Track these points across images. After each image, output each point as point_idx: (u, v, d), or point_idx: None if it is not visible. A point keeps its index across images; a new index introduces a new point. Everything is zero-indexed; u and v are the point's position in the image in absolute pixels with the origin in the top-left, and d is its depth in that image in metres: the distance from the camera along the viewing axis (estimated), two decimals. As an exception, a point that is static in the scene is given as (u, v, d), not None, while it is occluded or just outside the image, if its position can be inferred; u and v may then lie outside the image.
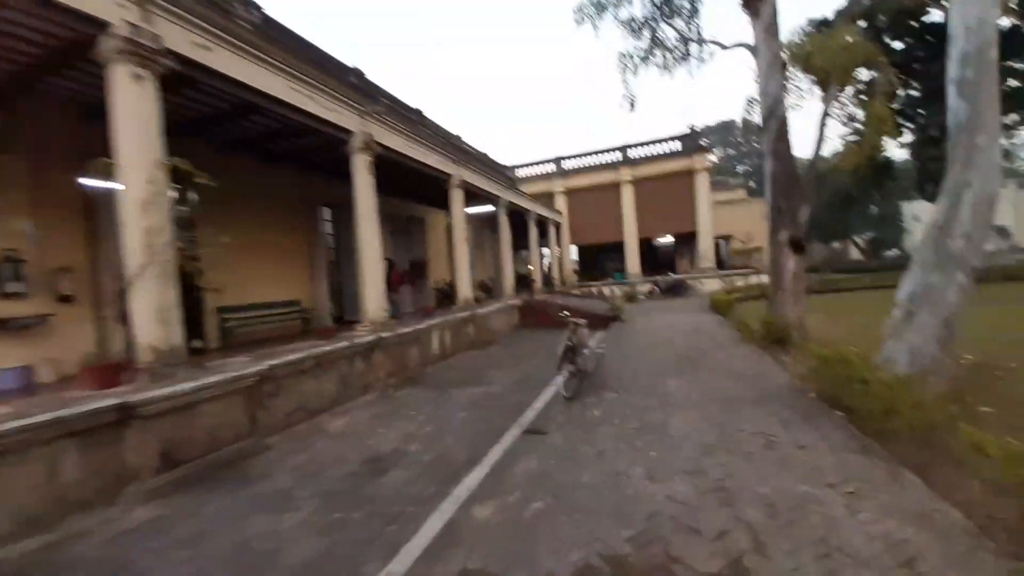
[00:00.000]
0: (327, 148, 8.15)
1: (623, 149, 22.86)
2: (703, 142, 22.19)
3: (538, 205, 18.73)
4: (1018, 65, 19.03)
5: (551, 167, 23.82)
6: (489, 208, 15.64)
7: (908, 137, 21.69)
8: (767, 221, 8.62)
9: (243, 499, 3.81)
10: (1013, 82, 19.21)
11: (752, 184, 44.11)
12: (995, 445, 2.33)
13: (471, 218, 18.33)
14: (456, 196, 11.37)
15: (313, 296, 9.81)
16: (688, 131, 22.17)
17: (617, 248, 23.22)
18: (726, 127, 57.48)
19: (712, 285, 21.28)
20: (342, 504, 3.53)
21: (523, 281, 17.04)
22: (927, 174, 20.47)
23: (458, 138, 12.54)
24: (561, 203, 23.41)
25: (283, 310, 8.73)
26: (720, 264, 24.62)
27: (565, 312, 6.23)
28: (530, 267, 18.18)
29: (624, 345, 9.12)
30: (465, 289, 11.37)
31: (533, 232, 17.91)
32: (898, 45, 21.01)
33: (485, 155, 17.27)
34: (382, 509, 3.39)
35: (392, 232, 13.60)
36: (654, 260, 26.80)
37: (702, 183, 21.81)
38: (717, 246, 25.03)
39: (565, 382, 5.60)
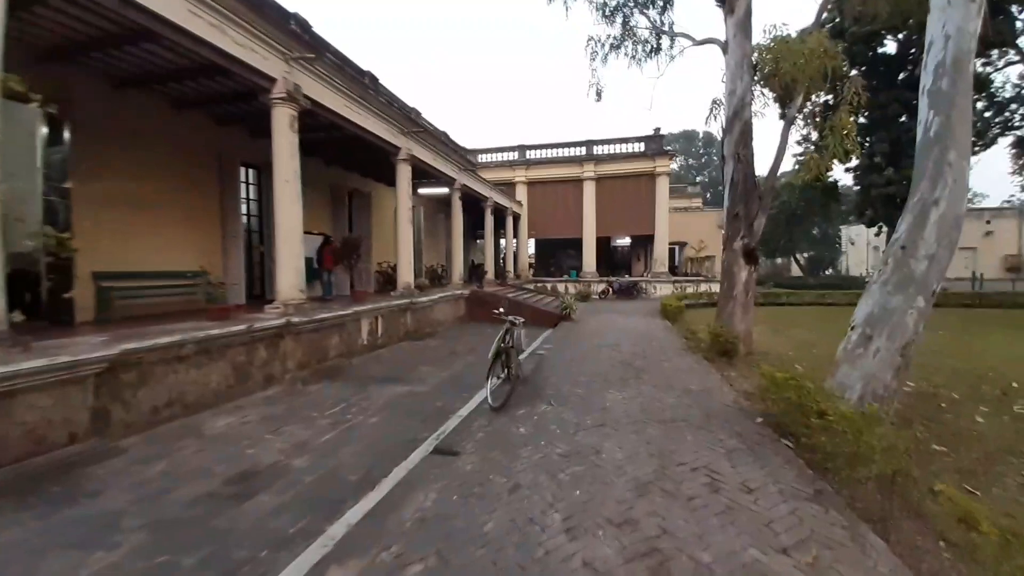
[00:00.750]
0: (246, 97, 6.98)
1: (588, 144, 22.46)
2: (667, 147, 22.19)
3: (497, 192, 17.95)
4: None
5: (514, 155, 23.07)
6: (443, 190, 14.70)
7: (853, 162, 22.66)
8: (722, 228, 8.32)
9: (54, 525, 2.89)
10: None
11: (708, 195, 45.41)
12: (986, 517, 1.87)
13: (425, 200, 17.30)
14: (403, 171, 10.39)
15: (225, 268, 8.56)
16: (652, 133, 22.07)
17: (575, 245, 22.91)
18: (688, 136, 58.95)
19: (664, 290, 21.42)
20: (177, 541, 2.69)
21: (475, 271, 16.25)
22: (868, 199, 21.49)
23: (415, 111, 11.53)
24: (522, 193, 22.74)
25: (183, 282, 7.46)
26: (673, 270, 24.93)
27: (500, 310, 5.50)
28: (484, 257, 17.41)
29: (569, 347, 8.58)
30: (406, 274, 10.45)
31: (489, 220, 17.13)
32: (852, 72, 21.80)
33: (444, 134, 16.25)
34: (225, 553, 2.58)
35: (333, 206, 12.39)
36: (611, 260, 26.79)
37: (662, 187, 21.83)
38: (672, 252, 25.33)
39: (493, 391, 4.92)
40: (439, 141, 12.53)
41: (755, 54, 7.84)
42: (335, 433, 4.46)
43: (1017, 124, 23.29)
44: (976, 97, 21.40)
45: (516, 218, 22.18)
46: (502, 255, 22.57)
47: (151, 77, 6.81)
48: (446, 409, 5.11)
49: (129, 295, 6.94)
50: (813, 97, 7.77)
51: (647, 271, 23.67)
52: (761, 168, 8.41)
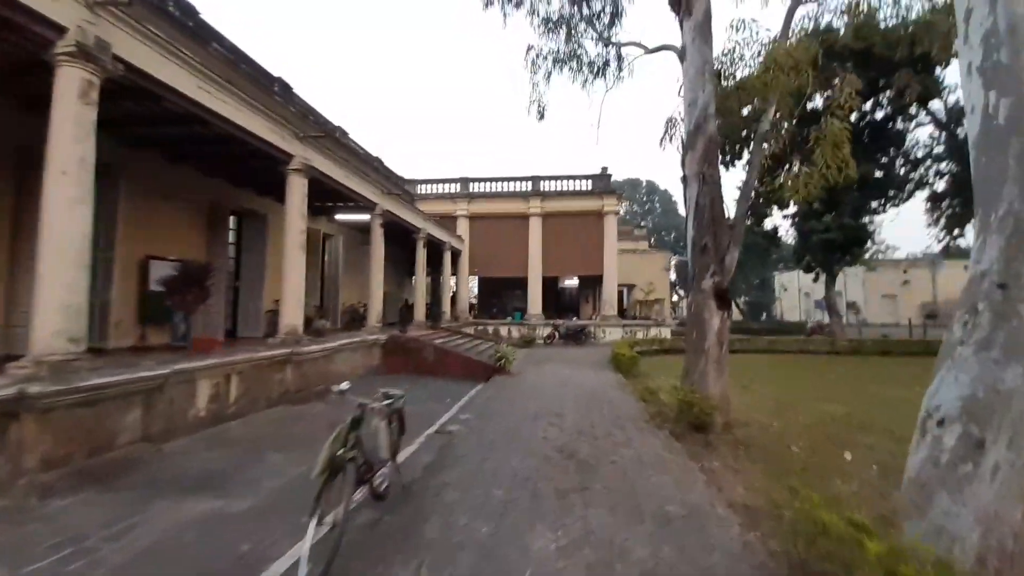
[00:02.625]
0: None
1: (534, 180, 21.34)
2: (615, 188, 21.51)
3: (432, 224, 16.01)
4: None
5: (456, 187, 21.46)
6: (363, 217, 12.54)
7: (791, 208, 23.07)
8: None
9: None
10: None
11: (651, 241, 46.26)
12: None
13: (347, 229, 14.99)
14: (295, 185, 8.20)
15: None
16: (600, 172, 21.38)
17: (521, 285, 21.21)
18: (632, 184, 61.01)
19: (614, 334, 19.98)
20: None
21: (404, 312, 13.90)
22: (807, 245, 21.69)
23: (317, 113, 9.51)
24: (464, 228, 20.98)
25: None
26: (622, 313, 23.79)
27: (340, 387, 3.03)
28: (416, 296, 15.14)
29: (495, 418, 6.41)
30: (292, 315, 8.00)
31: (421, 255, 15.03)
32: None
33: (364, 150, 14.29)
34: None
35: (211, 228, 9.81)
36: (558, 301, 25.33)
37: (610, 226, 20.90)
38: (620, 294, 24.30)
39: (311, 547, 2.54)
40: (352, 155, 10.51)
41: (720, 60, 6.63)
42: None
43: (931, 180, 24.95)
44: (894, 154, 22.70)
45: (456, 254, 20.26)
46: (443, 294, 20.36)
47: None
48: (250, 560, 2.79)
49: None
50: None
51: (596, 314, 22.31)
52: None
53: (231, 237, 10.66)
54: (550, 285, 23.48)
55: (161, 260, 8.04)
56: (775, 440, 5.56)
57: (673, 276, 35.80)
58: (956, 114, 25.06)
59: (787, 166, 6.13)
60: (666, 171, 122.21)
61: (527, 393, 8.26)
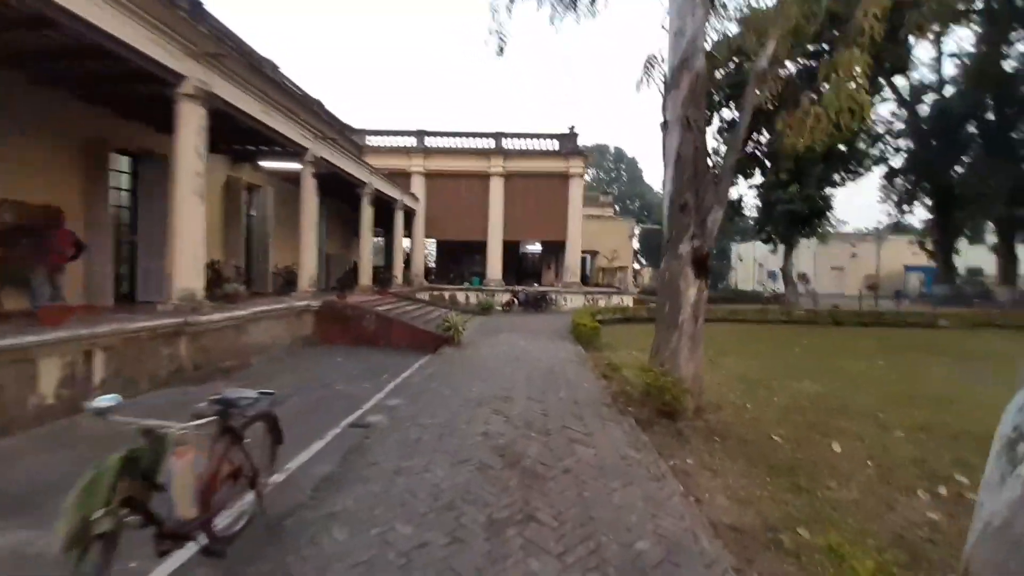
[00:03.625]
0: None
1: (497, 136, 19.77)
2: (582, 150, 20.26)
3: (380, 179, 14.35)
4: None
5: (411, 140, 19.57)
6: (293, 166, 10.82)
7: (757, 179, 22.79)
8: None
9: None
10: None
11: (617, 210, 45.78)
12: None
13: (281, 181, 13.13)
14: (188, 114, 6.54)
15: None
16: (567, 132, 20.06)
17: (480, 249, 20.00)
18: (599, 150, 59.83)
19: (575, 301, 19.32)
20: None
21: (347, 276, 12.45)
22: (771, 216, 21.56)
23: (239, 40, 7.70)
24: (419, 186, 19.30)
25: None
26: (584, 280, 23.17)
27: (98, 404, 1.80)
28: (361, 258, 13.66)
29: (428, 407, 5.33)
30: (187, 276, 6.53)
31: (367, 213, 13.47)
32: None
33: (297, 88, 12.34)
34: None
35: (88, 168, 7.89)
36: (520, 267, 24.39)
37: (576, 189, 19.84)
38: (583, 261, 23.61)
39: None
40: (277, 89, 8.77)
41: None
42: None
43: (888, 156, 25.22)
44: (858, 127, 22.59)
45: (410, 214, 18.68)
46: (395, 257, 18.84)
47: None
48: None
49: None
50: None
51: (557, 280, 21.55)
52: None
53: (125, 182, 8.80)
54: (511, 250, 22.40)
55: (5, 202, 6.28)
56: (752, 427, 4.88)
57: (636, 244, 35.56)
58: (918, 91, 25.23)
59: (787, 109, 5.16)
60: (634, 138, 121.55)
61: (475, 369, 7.27)
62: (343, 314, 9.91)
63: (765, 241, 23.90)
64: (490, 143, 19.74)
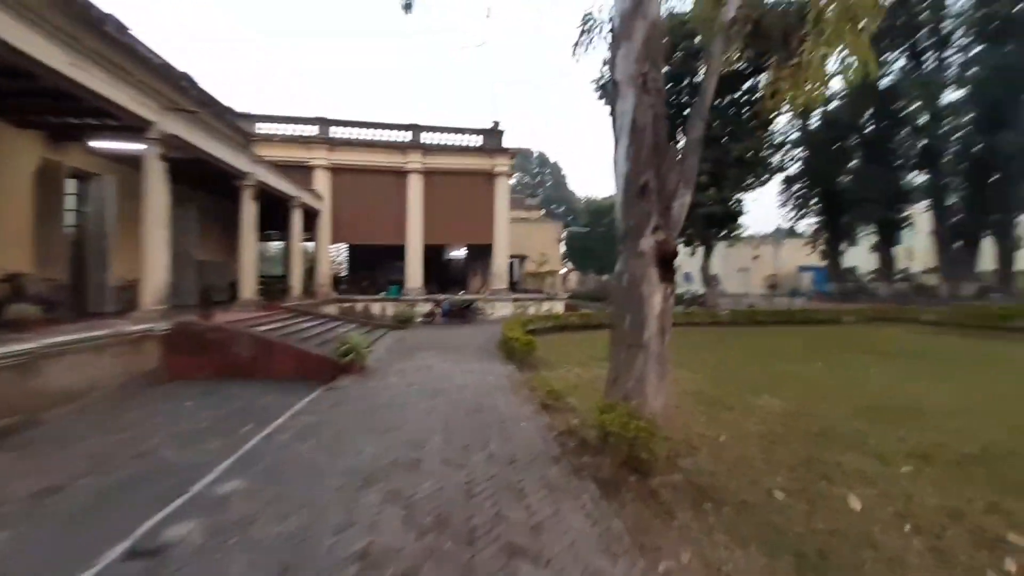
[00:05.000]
0: None
1: (414, 129, 17.90)
2: (507, 146, 19.02)
3: (269, 169, 11.88)
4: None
5: (313, 129, 17.00)
6: (135, 146, 8.22)
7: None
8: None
9: None
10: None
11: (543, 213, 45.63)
12: None
13: (128, 168, 10.17)
14: None
15: None
16: (491, 127, 18.76)
17: (399, 255, 17.91)
18: (523, 155, 59.76)
19: (504, 310, 18.00)
20: None
21: (208, 291, 9.86)
22: (690, 218, 21.96)
23: None
24: (323, 182, 16.80)
25: None
26: (513, 286, 21.97)
27: None
28: (241, 266, 11.07)
29: (291, 487, 3.41)
30: None
31: (248, 210, 10.98)
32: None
33: (140, 44, 9.56)
34: None
35: None
36: (443, 274, 22.58)
37: (502, 189, 18.58)
38: (511, 266, 22.42)
39: None
40: (101, 38, 6.35)
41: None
42: None
43: (786, 165, 27.11)
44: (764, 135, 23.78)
45: (313, 214, 16.14)
46: (293, 264, 16.09)
47: None
48: None
49: None
50: None
51: (485, 287, 20.10)
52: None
53: None
54: (433, 255, 20.57)
55: None
56: (742, 476, 3.73)
57: (563, 249, 35.32)
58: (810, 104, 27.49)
59: (781, 62, 4.13)
60: (557, 142, 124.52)
61: (376, 411, 5.46)
62: (204, 339, 7.54)
63: (686, 244, 24.47)
64: (406, 136, 17.80)
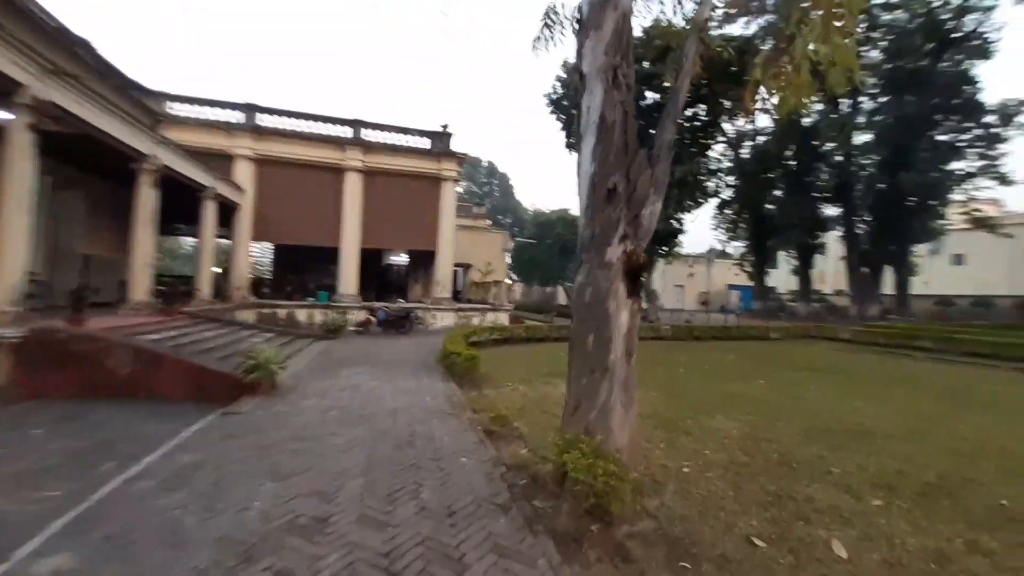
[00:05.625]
0: None
1: (356, 125, 16.71)
2: (456, 150, 18.29)
3: (176, 152, 10.31)
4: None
5: (237, 115, 15.29)
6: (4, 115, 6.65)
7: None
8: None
9: None
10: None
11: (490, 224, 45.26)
12: None
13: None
14: None
15: None
16: (440, 129, 18.00)
17: (332, 257, 16.49)
18: (471, 163, 59.31)
19: (446, 320, 17.14)
20: None
21: (80, 290, 8.16)
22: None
23: None
24: (246, 174, 15.11)
25: None
26: (456, 295, 21.13)
27: None
28: (134, 261, 9.37)
29: (135, 567, 2.59)
30: None
31: (146, 197, 9.38)
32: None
33: (44, 14, 7.90)
34: None
35: None
36: (382, 281, 21.26)
37: (448, 194, 17.83)
38: (455, 275, 21.60)
39: None
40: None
41: None
42: None
43: (721, 190, 28.67)
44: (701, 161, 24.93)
45: (231, 209, 14.43)
46: (203, 263, 14.19)
47: None
48: None
49: None
50: None
51: (426, 296, 19.10)
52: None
53: None
54: (372, 261, 19.27)
55: None
56: (712, 515, 3.29)
57: (509, 259, 35.00)
58: (741, 136, 29.42)
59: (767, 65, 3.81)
60: (507, 153, 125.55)
61: (280, 447, 4.44)
62: (69, 350, 6.08)
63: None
64: (347, 131, 16.56)
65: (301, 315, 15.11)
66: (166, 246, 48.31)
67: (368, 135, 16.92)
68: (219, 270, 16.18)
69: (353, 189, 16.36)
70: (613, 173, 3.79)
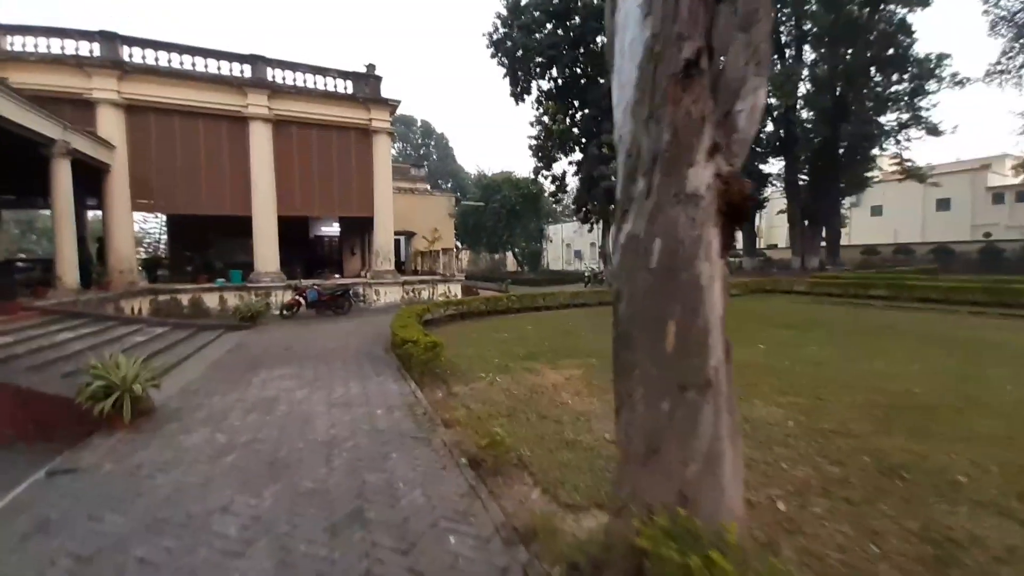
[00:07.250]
0: None
1: (256, 61, 13.50)
2: (388, 98, 15.58)
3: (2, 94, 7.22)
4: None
5: (92, 46, 11.66)
6: None
7: (577, 155, 22.21)
8: (625, 113, 2.41)
9: None
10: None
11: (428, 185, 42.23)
12: None
13: None
14: None
15: None
16: (365, 71, 15.21)
17: (246, 230, 13.62)
18: (405, 122, 54.94)
19: (392, 295, 15.07)
20: None
21: None
22: (591, 192, 21.15)
23: None
24: (113, 124, 11.70)
25: None
26: (400, 267, 18.94)
27: None
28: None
29: None
30: None
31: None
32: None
33: None
34: None
35: None
36: (312, 255, 18.61)
37: (382, 149, 15.31)
38: (397, 244, 19.29)
39: None
40: None
41: None
42: None
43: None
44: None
45: (98, 171, 11.19)
46: (61, 242, 10.95)
47: None
48: None
49: None
50: None
51: (366, 269, 16.79)
52: None
53: None
54: (296, 232, 16.56)
55: None
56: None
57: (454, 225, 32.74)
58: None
59: None
60: (443, 112, 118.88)
61: (129, 543, 2.51)
62: None
63: (583, 221, 23.82)
64: (246, 70, 13.36)
65: (211, 300, 12.39)
66: (39, 224, 40.68)
67: (275, 75, 13.81)
68: (95, 249, 12.84)
69: (261, 144, 13.41)
70: (688, 36, 2.13)
